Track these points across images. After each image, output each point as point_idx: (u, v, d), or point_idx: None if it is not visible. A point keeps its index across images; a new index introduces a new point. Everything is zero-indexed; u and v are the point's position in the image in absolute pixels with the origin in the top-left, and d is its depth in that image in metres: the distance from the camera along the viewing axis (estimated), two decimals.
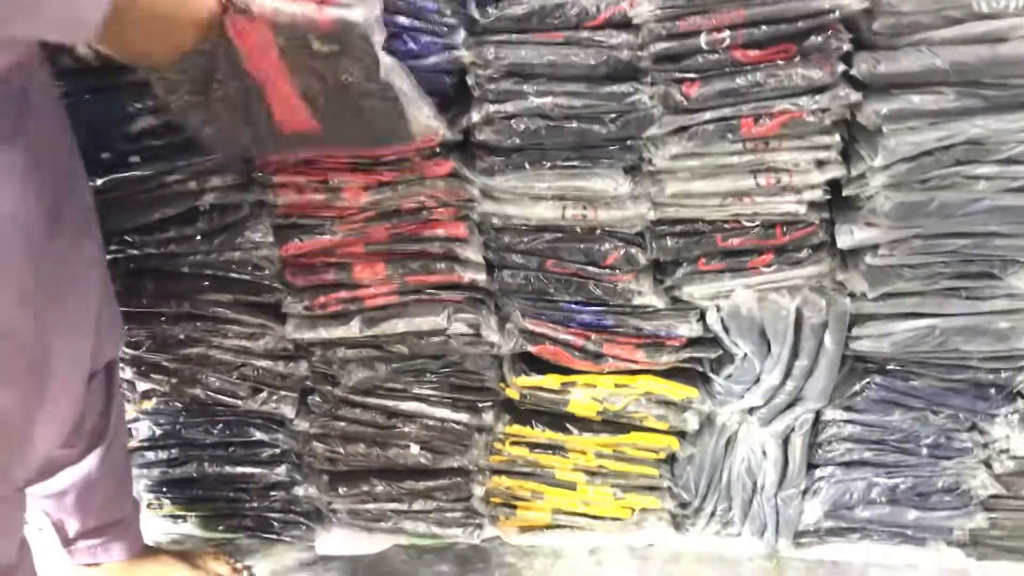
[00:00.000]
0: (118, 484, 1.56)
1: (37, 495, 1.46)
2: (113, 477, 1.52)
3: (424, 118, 1.20)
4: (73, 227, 1.23)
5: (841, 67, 1.28)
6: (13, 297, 1.08)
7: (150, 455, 1.71)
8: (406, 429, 1.63)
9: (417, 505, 1.72)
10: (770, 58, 1.28)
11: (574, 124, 1.35)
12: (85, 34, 0.92)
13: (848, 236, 1.40)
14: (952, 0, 1.24)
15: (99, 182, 1.38)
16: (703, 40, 1.27)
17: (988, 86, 1.27)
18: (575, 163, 1.40)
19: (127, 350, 1.57)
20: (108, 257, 1.42)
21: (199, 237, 1.46)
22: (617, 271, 1.47)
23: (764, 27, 1.25)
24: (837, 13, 1.24)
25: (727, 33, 1.26)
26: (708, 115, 1.32)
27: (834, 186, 1.40)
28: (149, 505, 1.78)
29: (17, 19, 0.86)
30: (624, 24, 1.30)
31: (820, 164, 1.38)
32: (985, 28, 1.24)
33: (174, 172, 1.40)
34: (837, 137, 1.34)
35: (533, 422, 1.62)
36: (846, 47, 1.28)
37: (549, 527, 1.75)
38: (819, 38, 1.26)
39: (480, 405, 1.62)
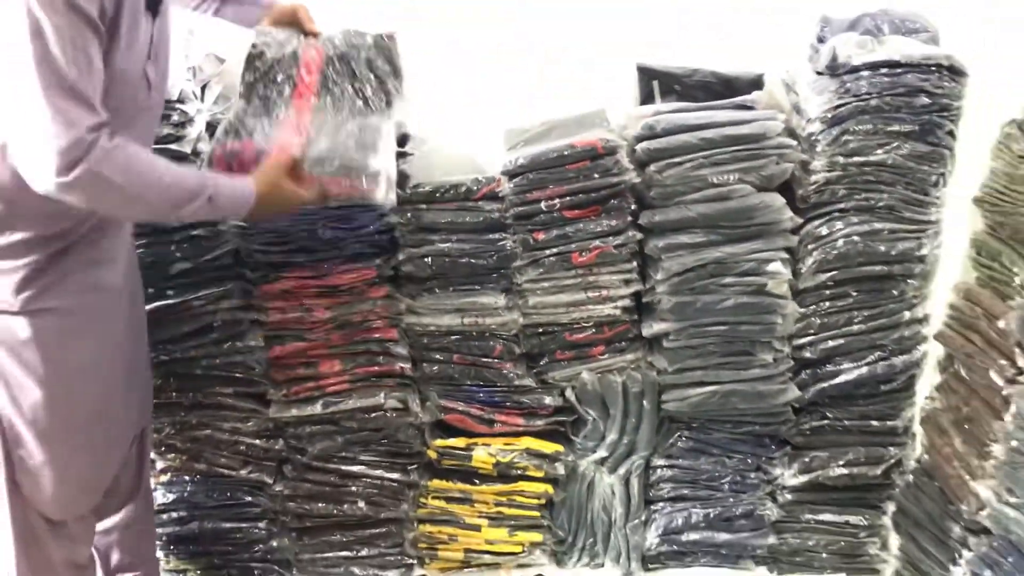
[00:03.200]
0: (148, 532, 2.11)
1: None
2: (144, 525, 2.08)
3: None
4: (139, 321, 1.89)
5: (630, 218, 2.04)
6: (118, 354, 1.74)
7: (163, 516, 2.26)
8: (354, 488, 2.24)
9: (363, 552, 2.29)
10: (586, 215, 2.03)
11: (466, 260, 2.08)
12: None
13: (648, 328, 2.13)
14: (696, 176, 2.02)
15: (146, 308, 2.03)
16: (543, 205, 2.03)
17: (723, 227, 2.04)
18: (469, 286, 2.11)
19: (153, 435, 2.17)
20: None
21: (212, 344, 2.11)
22: (501, 361, 2.16)
23: (580, 195, 2.01)
24: (624, 185, 2.01)
25: (557, 200, 2.02)
26: (549, 252, 2.06)
27: (639, 296, 2.14)
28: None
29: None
30: (495, 197, 2.05)
31: (627, 282, 2.11)
32: (716, 192, 2.02)
33: (196, 299, 2.07)
34: (635, 263, 2.09)
35: (448, 477, 2.24)
36: (633, 206, 2.05)
37: (463, 564, 2.32)
38: (615, 201, 2.03)
39: (409, 467, 2.24)
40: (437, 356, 2.17)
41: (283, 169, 1.74)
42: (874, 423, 2.23)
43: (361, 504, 2.25)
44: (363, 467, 2.23)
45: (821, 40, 2.14)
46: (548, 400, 2.19)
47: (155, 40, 1.62)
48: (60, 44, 1.36)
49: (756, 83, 2.18)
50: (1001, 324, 1.85)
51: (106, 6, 1.43)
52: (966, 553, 1.92)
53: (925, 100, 1.97)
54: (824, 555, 2.33)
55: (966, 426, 1.99)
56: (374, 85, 1.94)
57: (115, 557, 2.06)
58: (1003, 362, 1.85)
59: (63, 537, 1.79)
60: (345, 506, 2.25)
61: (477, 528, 2.28)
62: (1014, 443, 1.77)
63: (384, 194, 1.81)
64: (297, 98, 1.90)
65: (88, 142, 1.40)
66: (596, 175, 2.00)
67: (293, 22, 1.96)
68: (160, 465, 2.24)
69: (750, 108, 2.05)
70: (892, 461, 2.23)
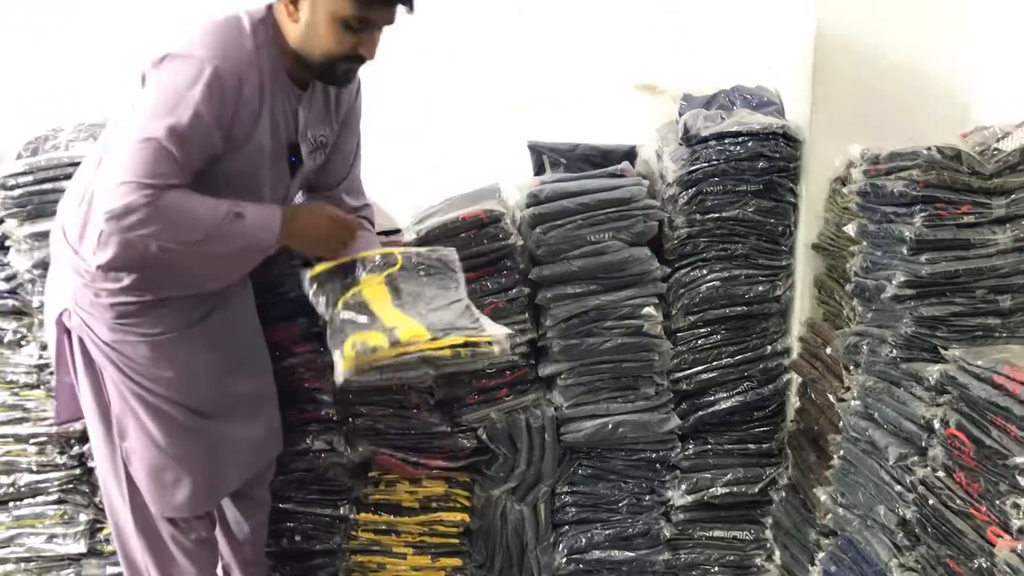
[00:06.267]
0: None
1: None
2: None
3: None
4: (251, 358, 2.22)
5: (518, 276, 2.35)
6: None
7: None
8: (291, 524, 2.50)
9: None
10: (480, 276, 2.34)
11: None
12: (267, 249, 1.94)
13: (544, 369, 2.43)
14: (576, 236, 2.34)
15: None
16: None
17: (601, 278, 2.36)
18: None
19: None
20: None
21: None
22: (419, 410, 2.44)
23: (473, 259, 2.32)
24: (510, 247, 2.32)
25: None
26: None
27: (535, 342, 2.44)
28: None
29: (222, 248, 1.85)
30: None
31: (522, 331, 2.41)
32: (593, 248, 2.34)
33: None
34: (527, 314, 2.39)
35: (375, 511, 2.51)
36: (523, 265, 2.36)
37: None
38: (507, 261, 2.35)
39: (339, 503, 2.51)
40: (362, 409, 2.44)
41: (328, 217, 1.99)
42: (751, 446, 2.53)
43: (298, 538, 2.51)
44: (298, 504, 2.49)
45: (682, 115, 2.49)
46: (464, 441, 2.46)
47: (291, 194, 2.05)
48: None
49: (629, 154, 2.53)
50: (828, 351, 2.17)
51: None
52: (820, 554, 2.20)
53: (765, 163, 2.31)
54: (716, 568, 2.60)
55: (819, 443, 2.29)
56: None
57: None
58: (836, 383, 2.16)
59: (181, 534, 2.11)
60: (284, 540, 2.51)
61: (403, 556, 2.54)
62: (842, 452, 2.06)
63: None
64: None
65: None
66: (485, 241, 2.32)
67: None
68: None
69: (620, 176, 2.39)
70: (768, 479, 2.52)
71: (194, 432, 2.04)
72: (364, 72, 2.57)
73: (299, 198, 2.18)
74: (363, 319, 1.86)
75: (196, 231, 1.80)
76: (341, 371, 1.79)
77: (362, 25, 1.79)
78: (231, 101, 1.77)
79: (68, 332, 2.00)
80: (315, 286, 1.95)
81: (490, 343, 1.87)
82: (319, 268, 1.95)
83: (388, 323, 1.85)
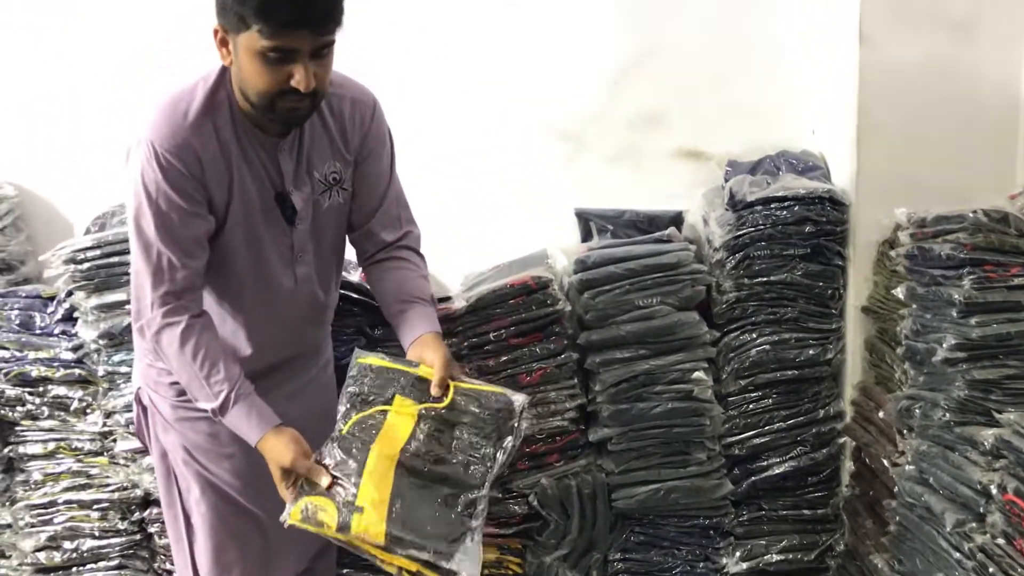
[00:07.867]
0: None
1: None
2: None
3: None
4: None
5: (567, 341, 2.38)
6: None
7: None
8: None
9: None
10: (529, 342, 2.37)
11: None
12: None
13: (594, 434, 2.43)
14: (624, 301, 2.36)
15: None
16: (491, 336, 2.36)
17: (649, 343, 2.37)
18: None
19: None
20: None
21: None
22: None
23: (522, 325, 2.35)
24: (558, 313, 2.35)
25: (504, 331, 2.36)
26: (501, 375, 2.38)
27: (584, 407, 2.45)
28: None
29: None
30: (451, 332, 2.41)
31: (572, 396, 2.43)
32: (641, 313, 2.36)
33: None
34: (575, 380, 2.41)
35: None
36: (571, 330, 2.39)
37: None
38: (555, 327, 2.37)
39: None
40: None
41: (278, 467, 1.74)
42: (805, 512, 2.50)
43: None
44: (351, 570, 2.51)
45: (728, 180, 2.52)
46: (515, 508, 2.46)
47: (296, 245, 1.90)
48: None
49: (676, 220, 2.55)
50: (881, 414, 2.14)
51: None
52: None
53: (812, 227, 2.32)
54: None
55: (875, 508, 2.25)
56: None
57: None
58: (890, 448, 2.13)
59: None
60: None
61: None
62: (898, 518, 2.03)
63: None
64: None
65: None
66: (533, 307, 2.35)
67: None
68: None
69: (667, 241, 2.42)
70: (824, 546, 2.48)
71: (252, 519, 2.04)
72: (418, 128, 2.58)
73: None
74: (324, 482, 1.68)
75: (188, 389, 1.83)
76: (286, 518, 1.68)
77: (282, 55, 1.61)
78: (192, 174, 1.73)
79: (145, 408, 2.04)
80: (357, 371, 1.82)
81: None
82: (375, 361, 1.82)
83: (361, 496, 1.66)
